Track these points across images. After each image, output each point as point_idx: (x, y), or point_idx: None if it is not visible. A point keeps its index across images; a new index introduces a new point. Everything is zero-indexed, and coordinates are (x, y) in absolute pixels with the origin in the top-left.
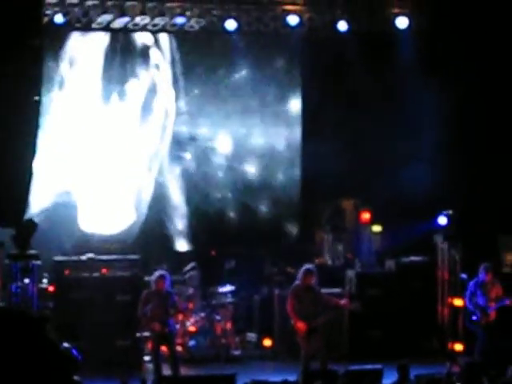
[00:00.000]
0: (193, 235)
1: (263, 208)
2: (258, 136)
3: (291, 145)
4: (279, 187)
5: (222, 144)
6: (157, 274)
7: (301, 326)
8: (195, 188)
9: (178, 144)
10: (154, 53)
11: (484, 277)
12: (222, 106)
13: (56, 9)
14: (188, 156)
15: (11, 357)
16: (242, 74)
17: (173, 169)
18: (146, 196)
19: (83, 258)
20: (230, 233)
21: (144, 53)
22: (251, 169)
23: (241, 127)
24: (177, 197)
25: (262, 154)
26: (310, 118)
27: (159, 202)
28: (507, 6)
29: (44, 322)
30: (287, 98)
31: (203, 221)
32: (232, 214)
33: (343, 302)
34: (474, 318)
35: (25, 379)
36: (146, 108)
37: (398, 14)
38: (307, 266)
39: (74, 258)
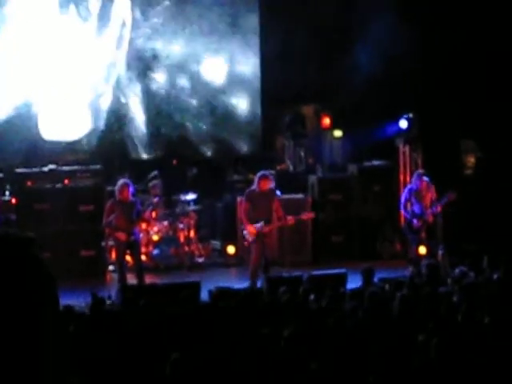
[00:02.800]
0: (153, 144)
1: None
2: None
3: (253, 63)
4: (240, 97)
5: (187, 65)
6: (120, 182)
7: (251, 229)
8: (158, 104)
9: (140, 61)
10: None
11: (418, 184)
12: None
13: None
14: (151, 74)
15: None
16: None
17: (134, 85)
18: (104, 105)
19: (45, 169)
20: (192, 142)
21: None
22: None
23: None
24: (137, 111)
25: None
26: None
27: (118, 113)
28: None
29: (31, 242)
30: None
31: (164, 130)
32: (191, 125)
33: (289, 218)
34: (415, 221)
35: (14, 301)
36: (103, 16)
37: None
38: (263, 171)
39: (36, 169)
